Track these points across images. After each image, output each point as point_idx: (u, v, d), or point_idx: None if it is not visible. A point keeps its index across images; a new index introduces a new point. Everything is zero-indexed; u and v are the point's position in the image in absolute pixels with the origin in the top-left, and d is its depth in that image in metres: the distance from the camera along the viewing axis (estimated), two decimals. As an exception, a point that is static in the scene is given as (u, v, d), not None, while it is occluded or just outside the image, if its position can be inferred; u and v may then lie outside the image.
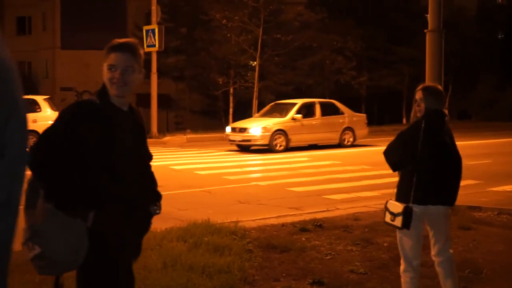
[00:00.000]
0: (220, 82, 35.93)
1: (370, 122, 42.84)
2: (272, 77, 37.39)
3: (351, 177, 15.67)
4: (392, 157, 5.65)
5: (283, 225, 9.22)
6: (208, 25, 37.30)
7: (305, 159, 19.88)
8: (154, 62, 29.66)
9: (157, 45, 29.04)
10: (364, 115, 28.10)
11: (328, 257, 7.44)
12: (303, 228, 8.91)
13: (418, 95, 5.66)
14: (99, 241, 3.48)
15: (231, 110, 37.25)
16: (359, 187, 13.93)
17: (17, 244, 2.33)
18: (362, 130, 25.91)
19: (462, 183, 14.06)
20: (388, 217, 5.74)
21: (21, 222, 2.05)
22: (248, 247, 7.58)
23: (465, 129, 34.34)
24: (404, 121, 43.90)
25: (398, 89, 42.86)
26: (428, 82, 10.53)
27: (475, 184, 14.50)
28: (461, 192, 12.36)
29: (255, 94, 35.64)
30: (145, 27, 30.18)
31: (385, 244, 8.09)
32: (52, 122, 3.55)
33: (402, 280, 5.72)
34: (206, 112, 42.43)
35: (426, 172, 5.42)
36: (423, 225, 5.62)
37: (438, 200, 5.54)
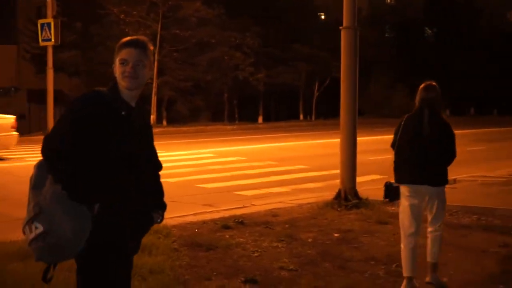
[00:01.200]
0: (118, 78, 35.15)
1: (267, 118, 43.46)
2: (171, 73, 37.03)
3: (259, 173, 15.69)
4: None
5: (204, 222, 9.08)
6: (105, 20, 36.56)
7: (211, 155, 19.77)
8: (50, 57, 28.73)
9: (53, 39, 28.13)
10: (12, 117, 19.01)
11: (255, 254, 7.36)
12: (224, 225, 8.80)
13: None
14: (100, 232, 3.48)
15: (128, 106, 36.53)
16: (268, 183, 13.95)
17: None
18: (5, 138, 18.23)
19: (367, 178, 14.51)
20: None
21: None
22: (173, 245, 7.40)
23: (360, 125, 35.10)
24: (301, 117, 44.54)
25: (295, 85, 43.35)
26: (342, 78, 10.66)
27: (380, 178, 14.66)
28: (369, 186, 12.77)
29: (154, 90, 35.22)
30: (40, 21, 29.17)
31: (309, 240, 8.10)
32: (64, 112, 3.57)
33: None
34: (103, 108, 41.44)
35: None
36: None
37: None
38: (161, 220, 3.93)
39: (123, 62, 3.58)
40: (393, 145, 6.53)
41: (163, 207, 3.93)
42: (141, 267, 6.19)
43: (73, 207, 3.40)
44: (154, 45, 35.00)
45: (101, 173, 3.49)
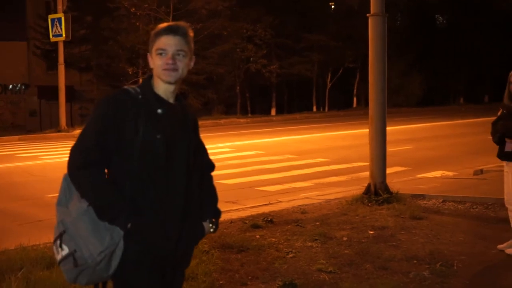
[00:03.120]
0: (130, 72, 34.87)
1: (281, 111, 43.04)
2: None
3: (279, 167, 15.33)
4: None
5: (231, 221, 8.72)
6: (116, 14, 36.21)
7: (228, 149, 19.41)
8: (61, 52, 28.44)
9: (64, 35, 27.85)
10: None
11: (290, 255, 6.99)
12: (254, 224, 8.44)
13: None
14: (137, 250, 3.11)
15: (140, 101, 36.23)
16: (291, 178, 13.61)
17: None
18: None
19: (391, 170, 14.17)
20: None
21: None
22: (204, 247, 7.04)
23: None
24: (315, 108, 44.09)
25: (308, 76, 42.91)
26: (371, 68, 10.26)
27: (404, 170, 14.47)
28: (395, 179, 12.42)
29: (166, 84, 34.88)
30: (51, 16, 28.89)
31: (344, 239, 7.72)
32: (88, 119, 3.20)
33: None
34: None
35: None
36: None
37: None
38: (215, 230, 3.50)
39: (161, 53, 3.21)
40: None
41: (216, 214, 3.52)
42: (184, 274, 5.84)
43: (101, 226, 3.02)
44: (166, 39, 34.68)
45: (135, 184, 3.10)
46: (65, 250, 3.03)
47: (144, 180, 3.12)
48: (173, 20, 33.63)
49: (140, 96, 3.19)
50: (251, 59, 39.44)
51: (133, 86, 3.25)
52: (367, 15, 10.19)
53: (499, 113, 7.16)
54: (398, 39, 47.55)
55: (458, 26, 51.81)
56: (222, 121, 33.57)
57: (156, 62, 3.22)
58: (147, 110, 3.16)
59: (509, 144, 6.94)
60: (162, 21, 34.22)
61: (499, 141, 7.07)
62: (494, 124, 7.16)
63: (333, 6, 46.46)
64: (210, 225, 3.48)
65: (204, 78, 35.96)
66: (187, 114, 3.39)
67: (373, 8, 10.06)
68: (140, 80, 35.79)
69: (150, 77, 3.28)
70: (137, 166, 3.11)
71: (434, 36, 50.57)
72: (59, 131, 27.83)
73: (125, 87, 3.25)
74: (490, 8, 50.06)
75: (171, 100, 3.28)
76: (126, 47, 35.64)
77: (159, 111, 3.19)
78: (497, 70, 46.21)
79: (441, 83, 50.87)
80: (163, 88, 3.24)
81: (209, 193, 3.52)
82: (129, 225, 3.05)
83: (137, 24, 34.65)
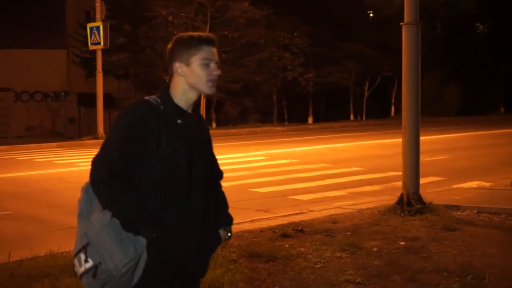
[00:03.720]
0: (167, 80, 34.99)
1: (317, 119, 42.93)
2: (220, 75, 36.64)
3: (313, 176, 15.24)
4: None
5: (261, 230, 8.67)
6: (153, 22, 36.50)
7: (262, 157, 19.39)
8: (100, 60, 28.78)
9: (102, 43, 28.18)
10: None
11: (318, 266, 6.92)
12: (283, 233, 8.38)
13: None
14: (158, 261, 3.09)
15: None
16: (324, 187, 13.51)
17: None
18: None
19: (426, 180, 14.04)
20: None
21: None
22: (232, 256, 7.01)
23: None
24: (352, 117, 43.88)
25: (345, 85, 42.76)
26: (404, 77, 10.16)
27: (439, 181, 14.26)
28: (430, 189, 12.28)
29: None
30: (89, 24, 29.26)
31: (374, 249, 7.62)
32: (110, 130, 3.17)
33: None
34: (153, 111, 41.54)
35: None
36: None
37: None
38: (230, 237, 3.51)
39: (208, 63, 3.16)
40: None
41: (229, 221, 3.51)
42: (200, 282, 5.80)
43: (125, 237, 2.99)
44: (203, 47, 34.87)
45: (157, 196, 3.08)
46: (89, 263, 2.99)
47: (166, 192, 3.10)
48: (210, 28, 33.87)
49: (161, 107, 3.15)
50: (288, 67, 39.42)
51: (153, 97, 3.21)
52: (401, 23, 10.10)
53: None
54: (436, 48, 47.21)
55: (498, 35, 51.12)
56: (258, 129, 33.58)
57: (199, 73, 3.16)
58: (168, 121, 3.13)
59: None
60: (199, 29, 34.48)
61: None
62: None
63: (371, 15, 46.28)
64: (226, 232, 3.48)
65: (240, 87, 36.05)
66: (203, 125, 3.38)
67: (407, 16, 9.97)
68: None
69: (168, 87, 3.23)
70: (159, 178, 3.09)
71: (473, 45, 49.94)
72: (96, 138, 28.10)
73: (146, 98, 3.22)
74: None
75: (190, 111, 3.25)
76: (164, 56, 35.82)
77: (179, 121, 3.16)
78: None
79: (481, 92, 50.21)
80: (185, 99, 3.20)
81: (220, 201, 3.50)
82: (154, 235, 3.03)
83: (175, 32, 34.72)
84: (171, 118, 3.14)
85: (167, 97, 3.19)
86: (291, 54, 38.84)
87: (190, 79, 3.17)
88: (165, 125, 3.10)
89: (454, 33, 50.06)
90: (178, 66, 3.19)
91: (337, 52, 41.35)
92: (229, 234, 3.50)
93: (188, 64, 3.17)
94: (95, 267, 2.98)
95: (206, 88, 3.18)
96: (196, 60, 3.16)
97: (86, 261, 3.00)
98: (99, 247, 2.98)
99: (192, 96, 3.21)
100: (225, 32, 34.71)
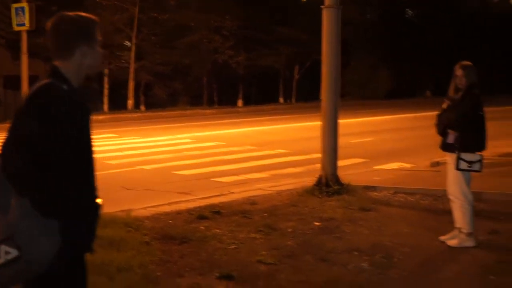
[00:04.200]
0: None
1: (247, 102, 42.91)
2: (148, 57, 36.32)
3: (238, 158, 15.26)
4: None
5: (178, 212, 8.63)
6: (81, 4, 35.73)
7: (188, 140, 19.29)
8: (25, 42, 28.11)
9: (27, 24, 27.42)
10: None
11: (232, 247, 6.93)
12: (200, 215, 8.36)
13: (459, 72, 6.90)
14: (70, 245, 2.99)
15: (106, 92, 35.91)
16: (248, 169, 13.54)
17: None
18: None
19: (350, 161, 14.18)
20: (464, 165, 6.88)
21: None
22: (144, 239, 6.95)
23: (343, 107, 34.57)
24: (282, 100, 44.02)
25: (275, 68, 42.79)
26: (324, 59, 10.22)
27: (361, 162, 14.46)
28: (351, 171, 12.43)
29: (131, 75, 34.63)
30: (14, 5, 28.42)
31: (289, 230, 7.68)
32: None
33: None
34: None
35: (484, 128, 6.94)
36: None
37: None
38: None
39: (100, 44, 3.15)
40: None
41: None
42: (108, 264, 5.74)
43: (46, 223, 2.89)
44: (131, 29, 34.40)
45: (74, 177, 3.02)
46: (12, 254, 2.86)
47: (82, 174, 3.09)
48: (139, 10, 33.44)
49: (68, 90, 3.05)
50: (219, 50, 39.24)
51: (55, 81, 3.06)
52: (321, 6, 10.14)
53: (444, 105, 7.17)
54: (368, 33, 47.75)
55: (428, 20, 51.99)
56: (187, 112, 33.40)
57: (99, 53, 3.16)
58: (77, 103, 3.06)
59: (451, 136, 6.96)
60: (128, 11, 34.03)
61: (443, 132, 7.09)
62: (439, 116, 7.19)
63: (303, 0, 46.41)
64: None
65: (170, 69, 35.74)
66: None
67: (327, 0, 10.02)
68: (106, 71, 35.45)
69: (59, 70, 3.10)
70: (76, 163, 3.04)
71: (403, 30, 50.64)
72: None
73: (53, 81, 3.07)
74: (462, 4, 50.55)
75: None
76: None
77: (84, 104, 3.12)
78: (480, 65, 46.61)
79: (410, 76, 51.06)
80: (78, 80, 3.13)
81: None
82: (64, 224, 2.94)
83: (103, 14, 34.27)
84: (77, 100, 3.08)
85: (65, 80, 3.08)
86: (221, 37, 38.62)
87: (91, 59, 3.12)
88: (78, 108, 3.06)
89: (385, 18, 50.62)
90: (81, 48, 3.11)
91: (268, 36, 41.29)
92: None
93: (91, 45, 3.13)
94: (18, 258, 2.86)
95: (102, 67, 3.14)
96: (97, 40, 3.15)
97: (7, 252, 2.87)
98: (22, 237, 2.87)
99: (81, 77, 3.15)
100: (155, 14, 34.36)
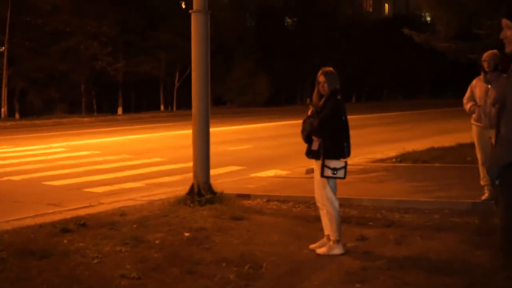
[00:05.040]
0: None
1: (128, 110, 42.15)
2: (23, 63, 34.99)
3: (113, 167, 14.89)
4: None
5: (41, 226, 8.22)
6: None
7: (62, 149, 18.68)
8: None
9: None
10: None
11: (95, 261, 6.62)
12: (64, 228, 7.98)
13: (321, 78, 6.94)
14: None
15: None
16: (122, 178, 13.21)
17: None
18: None
19: (225, 169, 14.10)
20: (329, 172, 6.84)
21: None
22: (1, 255, 6.55)
23: (221, 115, 34.77)
24: (162, 107, 43.55)
25: (155, 75, 42.26)
26: (194, 65, 10.07)
27: (238, 170, 14.41)
28: (226, 179, 12.33)
29: (4, 81, 33.36)
30: None
31: (156, 242, 7.45)
32: None
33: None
34: None
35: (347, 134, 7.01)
36: None
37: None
38: None
39: None
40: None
41: None
42: None
43: None
44: (3, 33, 33.11)
45: None
46: None
47: None
48: (11, 14, 32.18)
49: None
50: (97, 56, 38.32)
51: None
52: (190, 11, 10.01)
53: (309, 112, 7.17)
54: (248, 40, 48.03)
55: (305, 29, 52.87)
56: (64, 120, 32.45)
57: None
58: None
59: (315, 143, 6.96)
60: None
61: (307, 139, 7.09)
62: (303, 122, 7.17)
63: (184, 6, 46.09)
64: None
65: (45, 76, 34.63)
66: None
67: (195, 4, 9.92)
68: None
69: None
70: None
71: (281, 38, 51.25)
72: None
73: None
74: (337, 12, 51.73)
75: None
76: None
77: None
78: (352, 72, 47.95)
79: (288, 83, 51.75)
80: None
81: None
82: None
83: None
84: None
85: None
86: (99, 43, 37.69)
87: None
88: None
89: (264, 25, 51.07)
90: None
91: (148, 42, 40.71)
92: None
93: None
94: None
95: None
96: None
97: None
98: None
99: None
100: (28, 19, 33.22)
